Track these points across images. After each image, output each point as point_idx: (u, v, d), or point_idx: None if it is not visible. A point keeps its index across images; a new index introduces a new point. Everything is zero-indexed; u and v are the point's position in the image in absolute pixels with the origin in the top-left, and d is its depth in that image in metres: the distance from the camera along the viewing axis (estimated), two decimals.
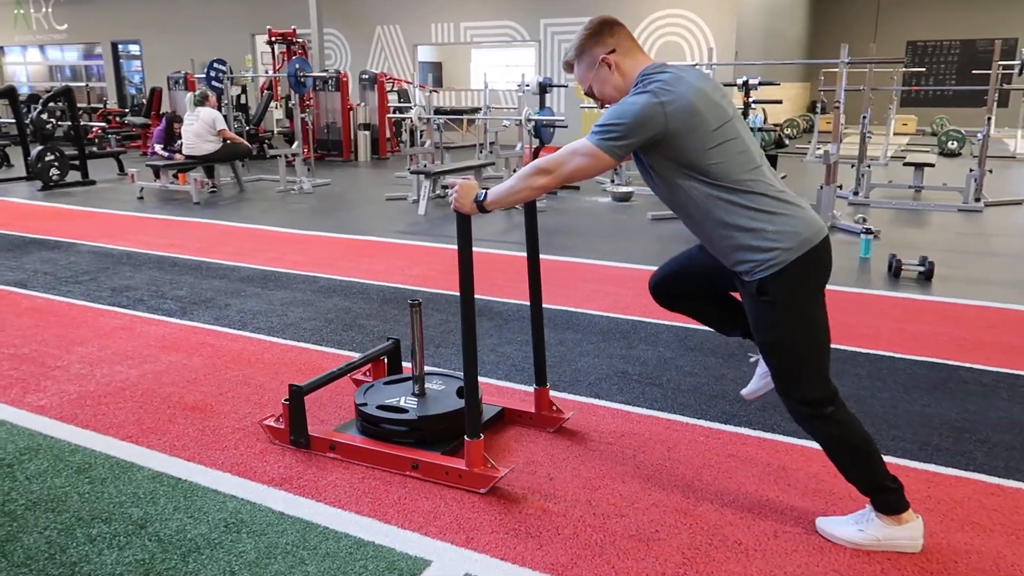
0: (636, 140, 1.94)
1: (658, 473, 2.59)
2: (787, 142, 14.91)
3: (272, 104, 13.28)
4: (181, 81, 13.79)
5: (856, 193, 8.43)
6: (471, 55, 21.36)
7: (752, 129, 7.81)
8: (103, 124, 12.76)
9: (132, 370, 3.52)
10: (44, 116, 9.30)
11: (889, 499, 2.09)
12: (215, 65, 10.06)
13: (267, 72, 16.95)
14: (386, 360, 3.25)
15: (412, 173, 8.02)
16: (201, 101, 8.65)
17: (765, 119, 13.40)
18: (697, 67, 7.58)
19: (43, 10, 21.41)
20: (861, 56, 8.09)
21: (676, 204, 2.07)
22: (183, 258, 5.76)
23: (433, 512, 2.35)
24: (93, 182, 9.95)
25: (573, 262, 5.64)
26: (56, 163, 9.35)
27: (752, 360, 2.50)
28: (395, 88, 14.07)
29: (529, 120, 8.19)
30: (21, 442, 2.81)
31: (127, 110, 15.72)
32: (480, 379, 3.23)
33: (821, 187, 6.76)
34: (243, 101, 13.19)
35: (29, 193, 9.19)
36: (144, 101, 19.22)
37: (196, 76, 13.84)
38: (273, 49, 11.96)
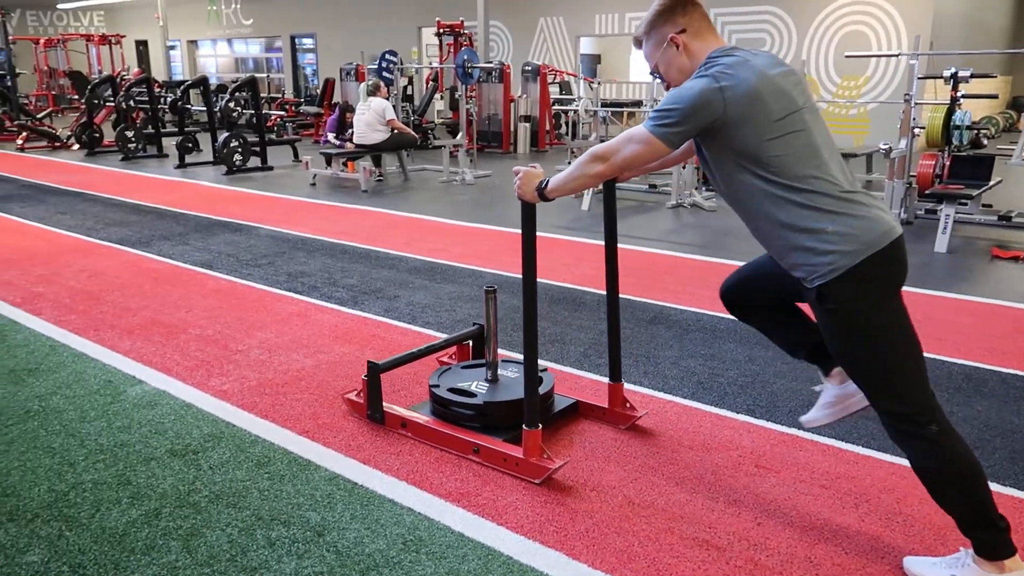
0: (691, 126, 1.85)
1: (736, 486, 2.21)
2: (985, 142, 13.41)
3: (436, 95, 13.48)
4: (352, 72, 14.29)
5: None
6: (631, 47, 20.91)
7: (959, 127, 6.95)
8: (281, 113, 13.44)
9: (308, 359, 3.51)
10: (231, 105, 9.85)
11: (993, 540, 1.85)
12: (387, 56, 10.29)
13: (431, 63, 17.34)
14: (471, 344, 3.30)
15: None
16: (373, 91, 8.83)
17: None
18: (901, 55, 6.81)
19: (232, 7, 23.01)
20: None
21: (733, 199, 1.96)
22: (353, 246, 5.83)
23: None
24: (271, 168, 10.46)
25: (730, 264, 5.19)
26: (239, 149, 9.88)
27: (816, 389, 2.31)
28: (556, 80, 13.89)
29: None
30: (206, 428, 2.83)
31: (302, 100, 16.53)
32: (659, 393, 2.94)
33: None
34: (409, 92, 13.47)
35: (214, 177, 9.79)
36: (316, 92, 20.33)
37: (368, 67, 14.36)
38: (441, 40, 12.11)
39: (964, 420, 2.91)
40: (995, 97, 7.84)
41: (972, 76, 6.98)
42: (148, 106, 11.74)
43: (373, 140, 9.01)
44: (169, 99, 12.24)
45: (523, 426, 2.43)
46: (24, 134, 12.77)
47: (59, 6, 24.99)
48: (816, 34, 13.51)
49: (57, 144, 12.93)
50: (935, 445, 1.84)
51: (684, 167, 7.63)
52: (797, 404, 3.04)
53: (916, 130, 6.83)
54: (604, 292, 4.54)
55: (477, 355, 3.29)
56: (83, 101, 12.23)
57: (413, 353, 3.01)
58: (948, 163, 6.62)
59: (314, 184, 9.16)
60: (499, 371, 2.90)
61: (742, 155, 1.85)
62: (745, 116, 1.80)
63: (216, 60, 25.14)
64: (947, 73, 6.99)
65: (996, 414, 2.96)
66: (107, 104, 12.57)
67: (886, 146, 6.31)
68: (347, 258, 5.47)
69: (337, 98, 14.60)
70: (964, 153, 6.52)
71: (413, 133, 9.65)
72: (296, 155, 11.38)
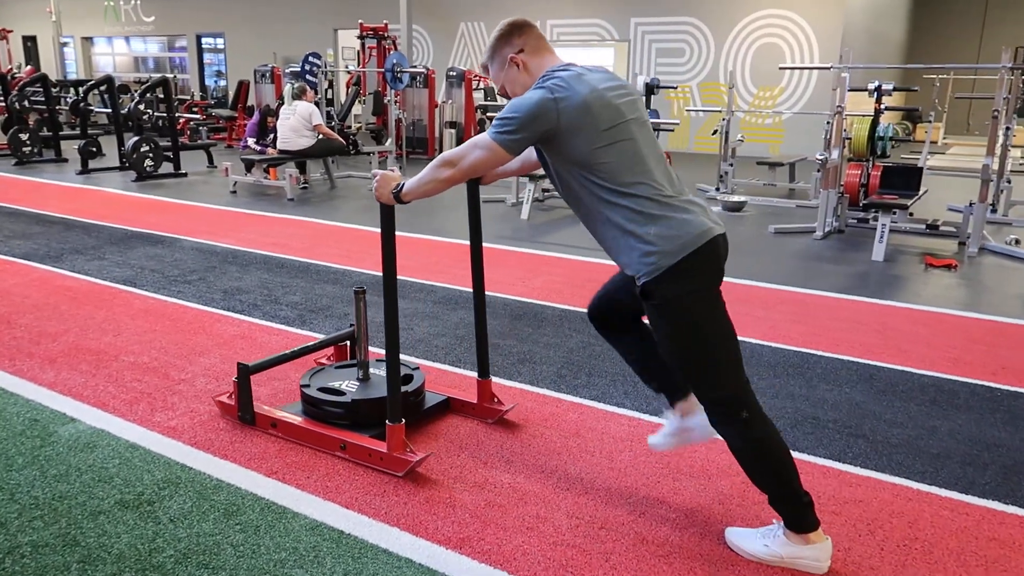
0: (529, 134, 1.97)
1: (913, 554, 2.14)
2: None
3: (358, 100, 13.09)
4: (268, 74, 13.71)
5: (994, 211, 7.73)
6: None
7: (882, 138, 7.20)
8: (195, 116, 12.75)
9: (262, 387, 3.21)
10: (141, 107, 9.22)
11: (798, 514, 2.04)
12: (310, 59, 9.88)
13: (347, 66, 16.88)
14: (349, 345, 3.32)
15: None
16: (299, 95, 8.45)
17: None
18: (832, 67, 6.98)
19: (132, 2, 21.81)
20: (965, 62, 7.32)
21: (571, 201, 2.09)
22: (289, 259, 5.49)
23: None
24: (185, 174, 9.86)
25: None
26: (151, 154, 9.28)
27: (666, 414, 2.46)
28: (481, 86, 13.75)
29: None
30: (158, 472, 2.51)
31: (212, 102, 15.77)
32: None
33: (971, 204, 6.15)
34: (330, 96, 13.03)
35: (123, 183, 9.14)
36: (222, 94, 19.47)
37: (284, 70, 13.81)
38: (363, 43, 11.75)
39: (949, 435, 2.91)
40: (917, 110, 8.17)
41: (895, 89, 7.24)
42: (44, 107, 10.88)
43: (299, 146, 8.61)
44: (69, 99, 11.37)
45: (386, 421, 2.49)
46: None
47: None
48: (733, 45, 13.88)
49: None
50: (746, 429, 2.01)
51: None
52: (784, 423, 2.98)
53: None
54: (566, 306, 4.47)
55: (355, 357, 3.22)
56: None
57: (286, 354, 3.04)
58: (877, 173, 6.83)
59: (235, 192, 8.67)
60: (371, 370, 2.95)
61: (575, 163, 1.97)
62: (576, 126, 1.92)
63: (114, 58, 23.76)
64: (871, 86, 7.23)
65: (976, 427, 2.98)
66: None
67: (822, 156, 6.44)
68: (285, 272, 5.13)
69: (252, 101, 14.00)
70: (893, 164, 6.74)
71: (341, 139, 9.29)
72: (211, 160, 10.79)
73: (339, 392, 2.80)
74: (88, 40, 23.70)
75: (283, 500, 2.37)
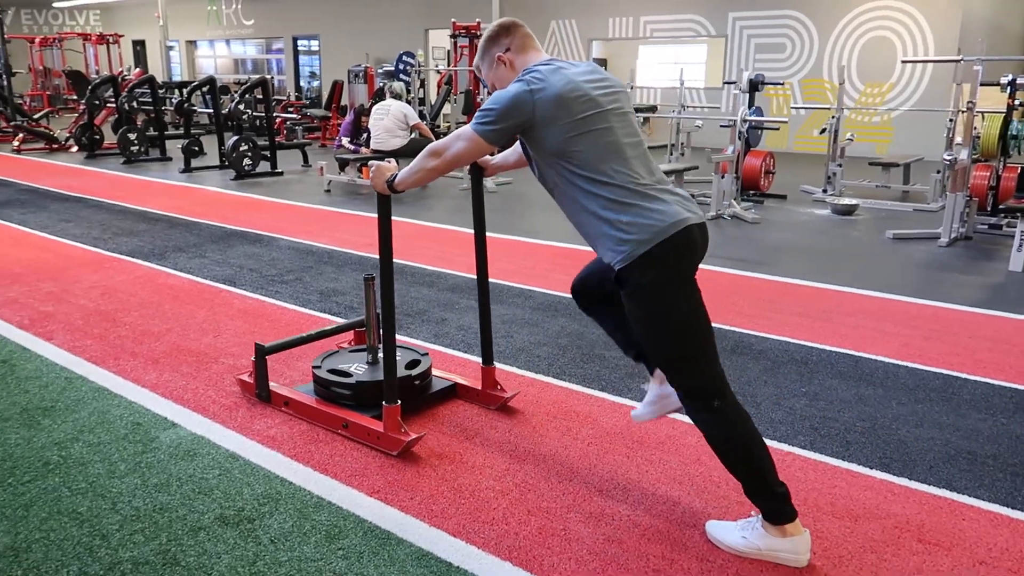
0: (508, 125, 2.04)
1: None
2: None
3: (450, 98, 13.07)
4: (361, 74, 13.86)
5: None
6: (638, 51, 20.46)
7: (1015, 136, 6.60)
8: (292, 116, 13.01)
9: (467, 436, 3.09)
10: (241, 107, 9.41)
11: (774, 506, 2.05)
12: (404, 58, 9.87)
13: (438, 66, 16.94)
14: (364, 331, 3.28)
15: None
16: (399, 95, 8.42)
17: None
18: (964, 60, 6.40)
19: (233, 7, 22.56)
20: None
21: (550, 189, 2.14)
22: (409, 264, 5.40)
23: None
24: (281, 173, 10.02)
25: (819, 288, 4.81)
26: (249, 153, 9.45)
27: (643, 388, 2.48)
28: None
29: (745, 121, 7.34)
30: (258, 486, 2.41)
31: (307, 102, 16.10)
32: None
33: None
34: (421, 95, 13.06)
35: (223, 182, 9.35)
36: (315, 94, 19.88)
37: (377, 70, 13.94)
38: (455, 43, 11.70)
39: None
40: None
41: None
42: (151, 107, 11.28)
43: (391, 146, 8.58)
44: (173, 100, 11.76)
45: (383, 402, 2.58)
46: (20, 135, 12.29)
47: (55, 4, 24.47)
48: (839, 39, 13.18)
49: (55, 146, 12.45)
50: (720, 418, 2.03)
51: (723, 176, 7.25)
52: (935, 457, 2.65)
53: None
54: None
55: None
56: (83, 101, 11.77)
57: (303, 337, 3.20)
58: (1011, 175, 6.26)
59: (329, 191, 8.73)
60: (380, 354, 2.96)
61: (552, 152, 2.03)
62: (551, 116, 1.98)
63: (215, 61, 24.66)
64: (1004, 80, 6.63)
65: None
66: (107, 105, 12.12)
67: (950, 156, 5.92)
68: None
69: (345, 100, 14.20)
70: None
71: (435, 137, 9.22)
72: (306, 159, 10.94)
73: (347, 374, 2.92)
74: (192, 43, 24.67)
75: (386, 524, 2.22)
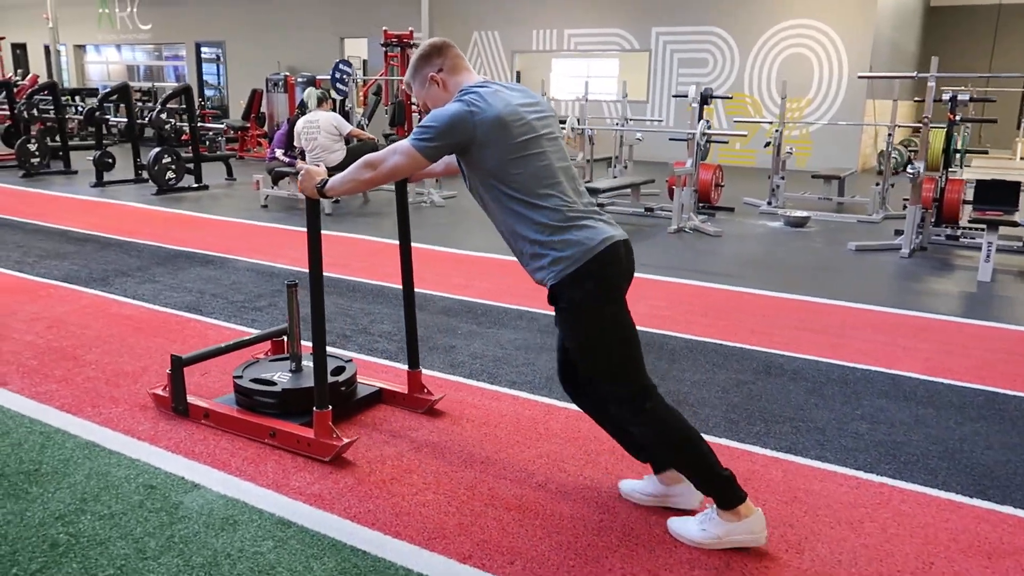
0: (446, 143, 2.08)
1: None
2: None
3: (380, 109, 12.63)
4: (281, 83, 13.24)
5: None
6: (551, 65, 20.57)
7: (958, 150, 6.89)
8: (220, 126, 12.24)
9: (400, 441, 2.76)
10: (163, 116, 8.72)
11: (723, 491, 2.11)
12: (341, 66, 9.43)
13: (357, 75, 16.42)
14: (286, 340, 3.31)
15: None
16: (321, 100, 7.94)
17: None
18: (917, 76, 6.55)
19: (128, 10, 21.23)
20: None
21: (488, 212, 2.19)
22: (358, 281, 5.03)
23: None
24: (206, 187, 9.36)
25: (812, 302, 4.79)
26: (173, 166, 8.77)
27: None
28: None
29: (704, 134, 7.35)
30: (329, 560, 2.05)
31: (217, 111, 15.25)
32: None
33: None
34: (347, 107, 12.58)
35: (143, 196, 8.62)
36: (218, 104, 18.95)
37: (296, 79, 13.34)
38: (386, 52, 11.32)
39: None
40: (994, 121, 7.89)
41: (972, 100, 6.93)
42: (53, 116, 10.34)
43: (332, 162, 8.08)
44: (79, 108, 10.83)
45: (313, 408, 2.56)
46: None
47: None
48: (759, 55, 13.61)
49: None
50: (651, 419, 2.12)
51: (683, 189, 7.23)
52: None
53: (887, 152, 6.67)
54: (689, 335, 4.06)
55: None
56: None
57: (220, 348, 3.12)
58: (957, 188, 6.50)
59: (266, 206, 8.19)
60: (303, 362, 2.99)
61: (490, 173, 2.08)
62: (490, 139, 2.03)
63: (107, 67, 23.13)
64: (947, 97, 6.91)
65: None
66: None
67: (913, 170, 6.09)
68: (360, 297, 4.68)
69: (264, 109, 13.51)
70: (989, 179, 6.40)
71: (373, 138, 8.76)
72: (230, 172, 10.28)
73: (270, 382, 2.86)
74: (81, 48, 23.06)
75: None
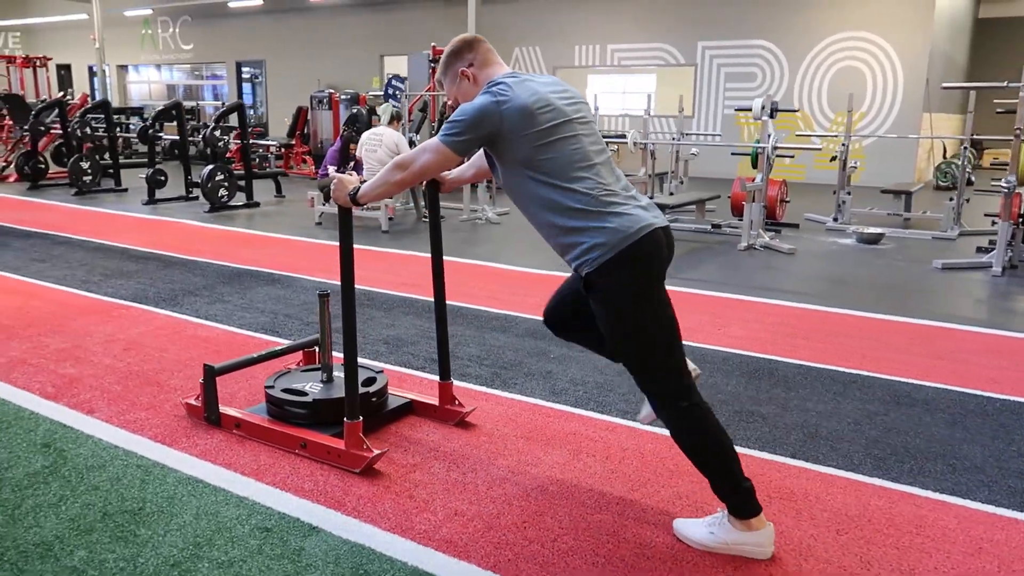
0: (475, 136, 2.05)
1: None
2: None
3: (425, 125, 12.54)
4: (326, 100, 13.24)
5: None
6: (587, 80, 20.43)
7: None
8: (273, 143, 12.21)
9: (520, 478, 2.55)
10: (216, 134, 8.66)
11: (740, 501, 2.08)
12: (394, 82, 9.33)
13: (405, 93, 16.40)
14: (317, 351, 3.28)
15: None
16: (393, 119, 7.86)
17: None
18: (1009, 85, 6.26)
19: (170, 30, 21.49)
20: None
21: (518, 200, 2.14)
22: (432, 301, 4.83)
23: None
24: (257, 204, 9.29)
25: (915, 324, 4.50)
26: (226, 183, 8.70)
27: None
28: None
29: (775, 148, 7.10)
30: None
31: (260, 129, 15.28)
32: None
33: None
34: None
35: (195, 214, 8.55)
36: (260, 122, 19.03)
37: (340, 96, 13.32)
38: (434, 68, 11.23)
39: None
40: None
41: None
42: (105, 134, 10.36)
43: None
44: (131, 127, 10.85)
45: (344, 419, 2.53)
46: None
47: None
48: (808, 69, 13.33)
49: None
50: (685, 417, 2.07)
51: (753, 205, 6.97)
52: None
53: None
54: (755, 353, 3.82)
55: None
56: (25, 128, 10.71)
57: (252, 358, 3.11)
58: None
59: (320, 223, 8.07)
60: (334, 373, 2.96)
61: (521, 163, 2.05)
62: (519, 128, 2.01)
63: (150, 86, 23.42)
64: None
65: None
66: (51, 131, 11.08)
67: (1008, 185, 5.78)
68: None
69: (309, 128, 13.50)
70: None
71: None
72: (279, 189, 10.22)
73: (302, 393, 2.85)
74: (123, 68, 23.38)
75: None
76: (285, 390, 2.87)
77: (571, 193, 2.01)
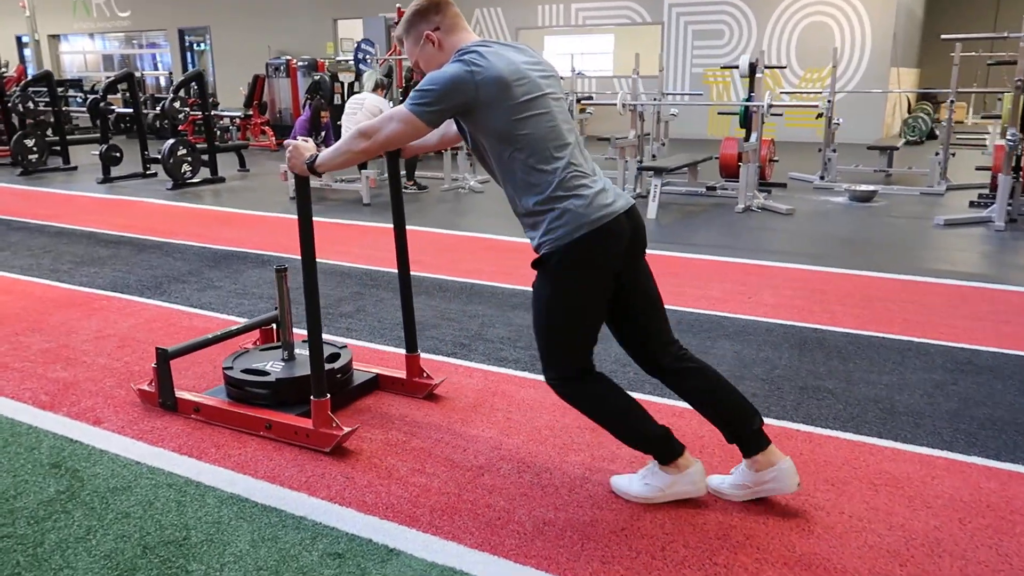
0: (446, 106, 1.96)
1: None
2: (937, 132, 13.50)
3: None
4: (283, 68, 12.63)
5: None
6: (544, 42, 19.98)
7: None
8: (236, 114, 11.60)
9: (596, 474, 2.32)
10: (176, 105, 8.11)
11: (662, 448, 2.12)
12: (363, 46, 8.86)
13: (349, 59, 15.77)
14: (275, 328, 3.19)
15: (642, 170, 6.78)
16: (377, 87, 7.44)
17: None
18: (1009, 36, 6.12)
19: None
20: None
21: (491, 172, 2.09)
22: (441, 279, 4.55)
23: None
24: (222, 179, 8.78)
25: (953, 285, 4.39)
26: (189, 158, 8.18)
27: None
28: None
29: (771, 106, 6.91)
30: None
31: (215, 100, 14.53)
32: None
33: None
34: (356, 89, 11.99)
35: (157, 191, 8.03)
36: (212, 91, 18.12)
37: (298, 63, 12.71)
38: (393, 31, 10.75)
39: None
40: None
41: None
42: (49, 109, 9.67)
43: None
44: (77, 101, 10.16)
45: (311, 397, 2.44)
46: None
47: None
48: (777, 25, 13.18)
49: None
50: (578, 394, 2.11)
51: (748, 166, 6.80)
52: None
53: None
54: (779, 320, 3.66)
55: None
56: None
57: (208, 339, 2.97)
58: None
59: (294, 197, 7.62)
60: (296, 351, 2.88)
61: (496, 135, 1.97)
62: (494, 99, 1.92)
63: (84, 57, 22.18)
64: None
65: None
66: None
67: (1012, 138, 5.70)
68: (451, 296, 4.20)
69: (266, 97, 12.88)
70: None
71: None
72: (243, 163, 9.69)
73: (263, 372, 2.75)
74: (54, 38, 22.06)
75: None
76: (245, 370, 2.75)
77: (543, 174, 1.95)
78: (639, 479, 2.17)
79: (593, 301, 2.03)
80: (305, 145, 2.27)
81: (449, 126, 2.34)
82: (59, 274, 4.74)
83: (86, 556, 1.93)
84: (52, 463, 2.41)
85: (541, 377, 2.35)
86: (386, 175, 8.45)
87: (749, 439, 2.10)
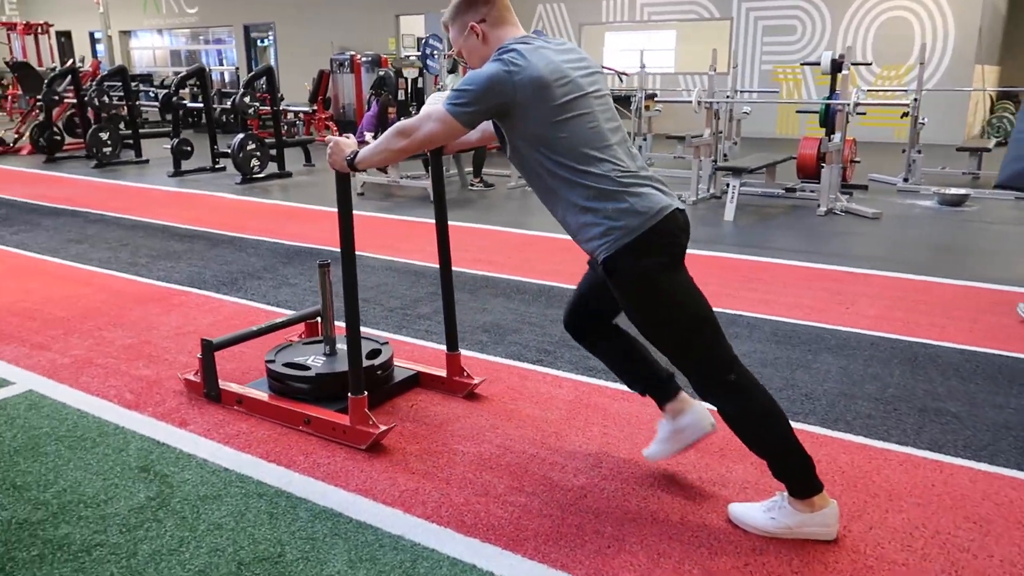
0: (483, 107, 1.92)
1: None
2: None
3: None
4: (347, 64, 12.68)
5: None
6: (604, 39, 19.65)
7: None
8: (307, 109, 11.69)
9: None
10: (247, 100, 8.16)
11: (801, 479, 1.96)
12: (431, 41, 8.79)
13: (409, 56, 15.78)
14: (319, 322, 3.13)
15: (718, 170, 6.54)
16: (452, 69, 7.34)
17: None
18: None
19: None
20: None
21: (530, 178, 2.02)
22: (517, 280, 4.42)
23: None
24: (289, 174, 8.82)
25: None
26: (258, 153, 8.22)
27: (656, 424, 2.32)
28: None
29: (858, 105, 6.60)
30: None
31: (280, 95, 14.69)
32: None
33: None
34: (420, 86, 11.96)
35: (226, 185, 8.09)
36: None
37: (362, 59, 12.75)
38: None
39: None
40: None
41: None
42: (123, 103, 9.85)
43: None
44: (151, 95, 10.34)
45: (349, 394, 2.42)
46: None
47: None
48: (853, 20, 12.70)
49: (1, 148, 10.82)
50: (736, 392, 1.94)
51: (832, 167, 6.50)
52: None
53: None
54: (852, 329, 3.43)
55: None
56: (38, 97, 10.18)
57: (253, 331, 2.97)
58: None
59: (363, 193, 7.61)
60: (337, 345, 2.86)
61: (533, 137, 1.92)
62: (532, 100, 1.86)
63: (153, 52, 22.72)
64: None
65: None
66: (64, 101, 10.55)
67: None
68: (531, 299, 4.07)
69: (331, 93, 12.95)
70: None
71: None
72: (308, 158, 9.73)
73: (304, 367, 2.73)
74: (125, 34, 22.66)
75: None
76: (287, 364, 2.75)
77: (587, 175, 1.89)
78: (762, 511, 2.00)
79: (689, 285, 1.95)
80: (346, 142, 2.27)
81: (490, 125, 2.25)
82: (137, 268, 4.76)
83: (180, 570, 1.85)
84: (140, 466, 2.35)
85: (627, 389, 2.31)
86: (453, 171, 8.42)
87: (663, 388, 2.21)
